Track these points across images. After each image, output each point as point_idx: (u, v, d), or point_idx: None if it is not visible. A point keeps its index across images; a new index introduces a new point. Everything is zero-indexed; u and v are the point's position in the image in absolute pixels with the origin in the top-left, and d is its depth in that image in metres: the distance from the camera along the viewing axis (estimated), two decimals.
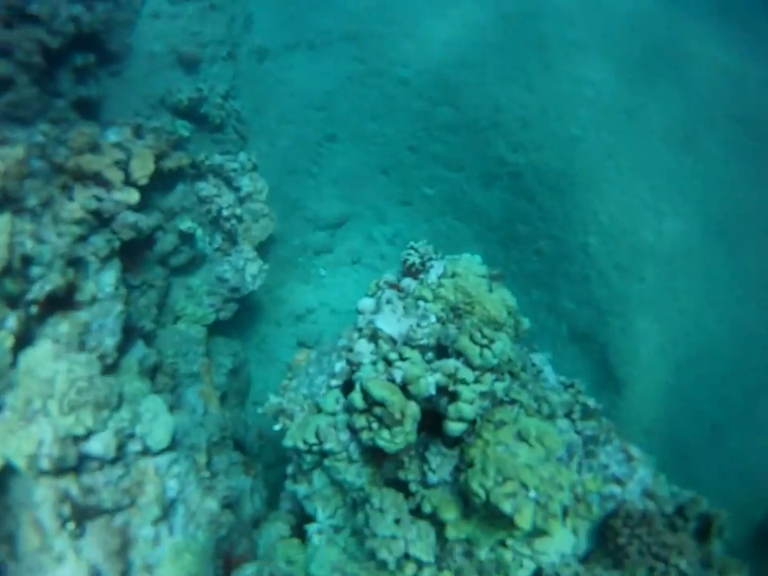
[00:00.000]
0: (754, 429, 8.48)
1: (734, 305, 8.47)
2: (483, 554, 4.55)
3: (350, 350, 5.49)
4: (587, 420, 5.38)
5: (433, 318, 5.17)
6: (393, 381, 4.78)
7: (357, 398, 4.76)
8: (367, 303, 5.88)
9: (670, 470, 5.52)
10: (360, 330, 5.62)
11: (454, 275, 5.45)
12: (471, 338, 4.83)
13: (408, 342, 5.07)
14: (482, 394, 4.70)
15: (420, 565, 4.43)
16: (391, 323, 5.39)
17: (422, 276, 5.63)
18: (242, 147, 8.47)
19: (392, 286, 5.94)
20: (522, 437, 4.68)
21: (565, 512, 4.76)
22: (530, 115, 8.44)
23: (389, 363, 4.91)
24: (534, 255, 8.20)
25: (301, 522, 5.08)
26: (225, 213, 7.67)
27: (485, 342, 4.82)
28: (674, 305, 8.20)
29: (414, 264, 6.17)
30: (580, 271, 8.05)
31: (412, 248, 6.48)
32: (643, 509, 4.92)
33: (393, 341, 5.28)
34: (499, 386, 4.88)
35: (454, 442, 4.72)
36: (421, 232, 8.59)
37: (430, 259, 6.23)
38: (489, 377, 4.83)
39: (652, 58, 9.29)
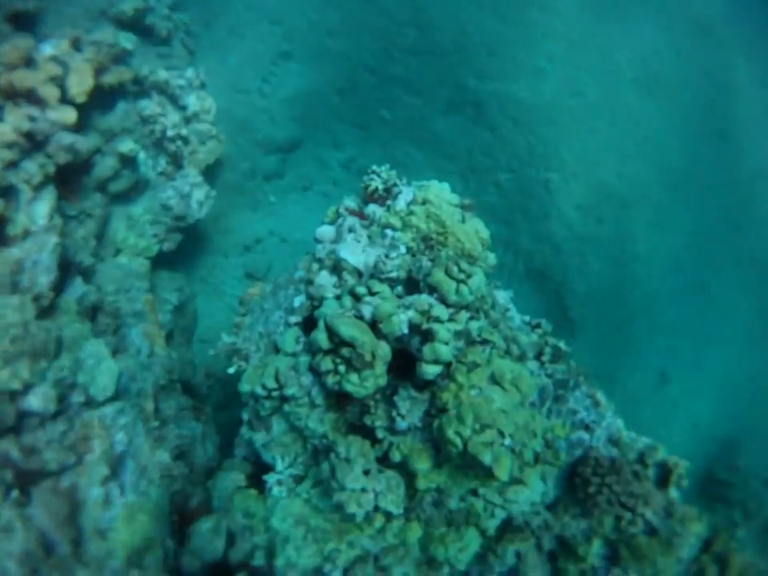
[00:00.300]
0: (700, 377, 8.60)
1: (686, 254, 8.39)
2: (453, 503, 4.26)
3: (310, 282, 4.96)
4: (556, 363, 5.10)
5: (403, 249, 4.69)
6: (361, 318, 4.32)
7: (321, 337, 4.27)
8: (326, 231, 5.34)
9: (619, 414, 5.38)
10: (320, 260, 5.09)
11: (424, 202, 4.95)
12: (447, 272, 4.38)
13: (376, 274, 4.58)
14: (457, 334, 4.31)
15: (389, 517, 4.10)
16: (356, 253, 4.88)
17: (388, 203, 5.08)
18: (189, 63, 7.57)
19: (354, 212, 5.40)
20: (495, 380, 4.36)
21: (536, 459, 4.51)
22: (497, 43, 7.83)
23: (356, 298, 4.42)
24: (492, 188, 7.77)
25: (258, 471, 4.65)
26: (169, 133, 6.84)
27: (462, 276, 4.38)
28: (630, 249, 8.00)
29: (376, 190, 5.62)
30: (540, 208, 7.70)
31: (374, 172, 5.92)
32: (611, 457, 4.73)
33: (358, 273, 4.79)
34: (474, 326, 4.50)
35: (425, 384, 4.33)
36: (376, 158, 7.94)
37: (395, 185, 5.70)
38: (464, 315, 4.44)
39: None
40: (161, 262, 6.93)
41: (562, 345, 5.33)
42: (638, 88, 8.34)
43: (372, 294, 4.40)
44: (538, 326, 5.55)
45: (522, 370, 4.45)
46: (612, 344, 8.01)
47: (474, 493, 4.26)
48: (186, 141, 7.01)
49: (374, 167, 6.03)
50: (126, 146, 6.47)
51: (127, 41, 7.01)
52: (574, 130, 7.89)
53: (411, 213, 4.79)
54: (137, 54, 7.17)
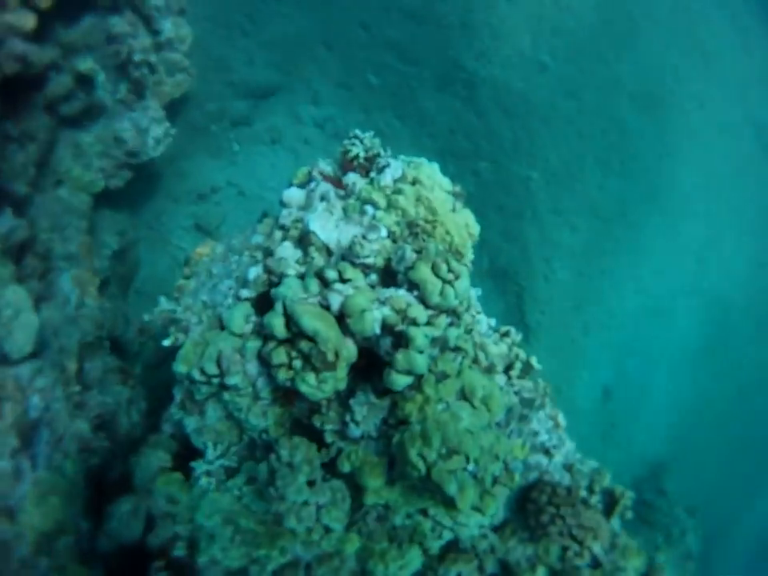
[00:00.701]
0: (640, 399, 8.47)
1: (670, 266, 8.16)
2: (399, 519, 3.80)
3: (270, 253, 4.33)
4: (524, 379, 4.68)
5: (384, 232, 4.09)
6: (327, 308, 3.73)
7: (277, 322, 3.68)
8: (295, 195, 4.67)
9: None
10: (284, 227, 4.45)
11: (415, 182, 4.34)
12: (434, 270, 3.80)
13: (349, 257, 3.96)
14: (434, 340, 3.78)
15: (328, 530, 3.60)
16: (327, 228, 4.24)
17: (372, 174, 4.45)
18: None
19: (329, 179, 4.76)
20: (465, 395, 3.88)
21: (493, 483, 4.10)
22: (504, 27, 7.24)
23: (324, 283, 3.81)
24: (470, 175, 7.25)
25: (186, 452, 4.06)
26: (136, 58, 5.95)
27: (450, 277, 3.83)
28: (598, 264, 7.67)
29: (357, 157, 5.00)
30: (515, 205, 7.24)
31: (356, 137, 5.26)
32: (567, 486, 4.38)
33: (328, 251, 4.17)
34: (452, 333, 3.98)
35: (387, 390, 3.81)
36: (355, 122, 7.30)
37: (378, 155, 5.08)
38: (443, 320, 3.89)
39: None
40: (104, 199, 6.09)
41: (533, 361, 4.90)
42: (635, 103, 7.93)
43: (343, 280, 3.81)
44: (507, 334, 5.09)
45: (493, 387, 3.98)
46: (564, 355, 7.72)
47: (424, 512, 3.82)
48: (153, 69, 6.13)
49: (357, 132, 5.36)
50: (85, 64, 5.57)
51: None
52: (564, 132, 7.44)
53: (399, 191, 4.19)
54: None
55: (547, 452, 4.50)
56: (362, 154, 5.07)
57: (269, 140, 7.22)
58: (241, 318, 4.03)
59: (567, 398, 7.91)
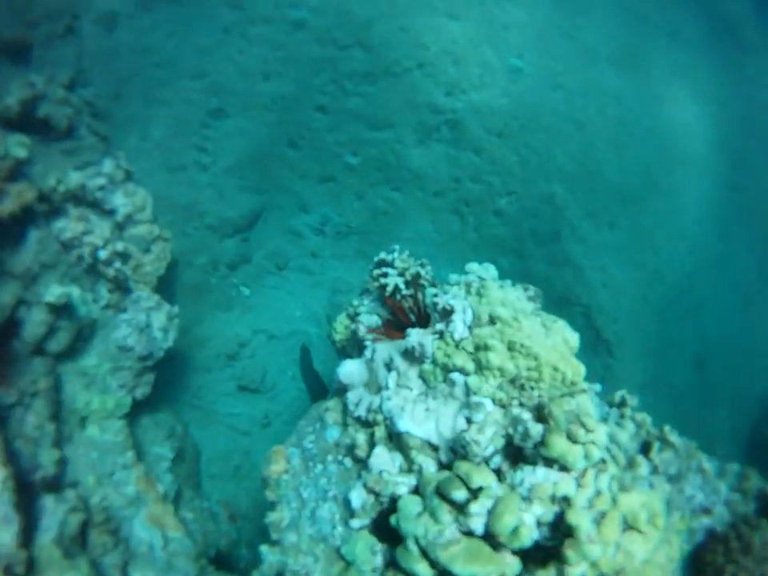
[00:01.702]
0: (733, 355, 7.48)
1: (701, 237, 7.11)
2: None
3: (362, 462, 3.44)
4: (664, 452, 3.73)
5: (489, 405, 3.16)
6: (470, 533, 2.83)
7: (419, 568, 2.83)
8: (353, 370, 3.83)
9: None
10: (360, 420, 3.58)
11: (493, 320, 3.39)
12: (570, 438, 2.90)
13: (464, 453, 3.04)
14: (589, 501, 2.93)
15: None
16: (418, 416, 3.37)
17: (439, 326, 3.47)
18: (104, 152, 5.60)
19: (380, 333, 3.83)
20: (628, 523, 3.03)
21: None
22: (459, 48, 6.20)
23: (456, 507, 2.89)
24: (493, 217, 6.25)
25: None
26: (102, 255, 4.97)
27: (589, 438, 2.92)
28: (647, 246, 6.64)
29: (398, 290, 4.07)
30: (550, 227, 6.23)
31: (383, 263, 4.33)
32: (737, 533, 3.48)
33: (432, 447, 3.25)
34: (605, 482, 3.09)
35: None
36: (352, 212, 6.33)
37: (418, 276, 4.11)
38: (591, 475, 3.00)
39: None
40: (136, 410, 5.13)
41: (668, 433, 3.93)
42: (616, 67, 6.84)
43: (475, 494, 2.87)
44: (623, 403, 4.11)
45: (652, 498, 3.17)
46: (649, 349, 6.74)
47: None
48: (125, 257, 5.14)
49: (383, 255, 4.41)
50: (53, 294, 4.58)
51: (20, 147, 5.02)
52: (563, 129, 6.40)
53: (485, 348, 3.24)
54: (36, 159, 5.19)
55: (707, 511, 3.59)
56: (401, 286, 4.11)
57: (275, 268, 6.27)
58: (366, 552, 3.20)
59: (668, 385, 6.97)
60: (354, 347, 4.19)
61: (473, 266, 4.02)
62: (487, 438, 3.05)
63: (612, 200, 6.55)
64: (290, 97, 6.20)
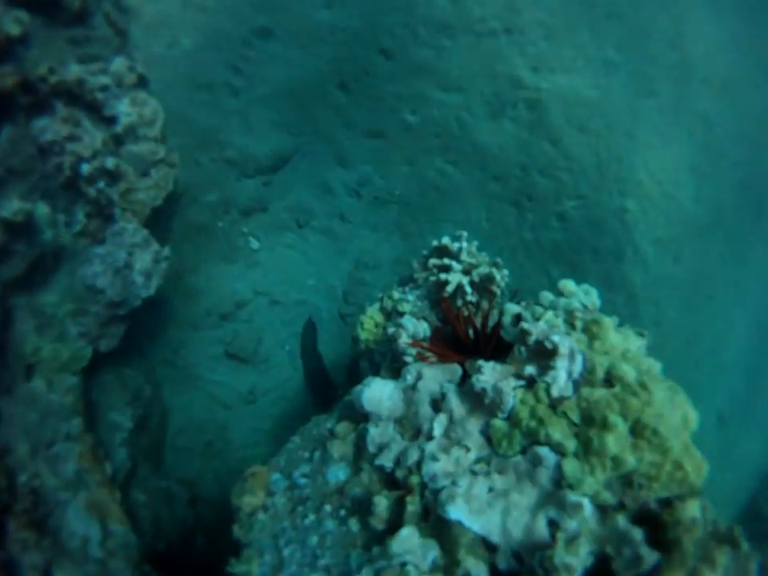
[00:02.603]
0: (751, 416, 6.39)
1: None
2: None
3: (377, 536, 2.28)
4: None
5: (588, 508, 1.95)
6: None
7: None
8: (382, 396, 2.62)
9: None
10: (383, 470, 2.41)
11: (611, 380, 2.20)
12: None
13: (538, 564, 1.88)
14: None
15: None
16: (478, 502, 2.13)
17: (530, 370, 2.24)
18: (118, 49, 4.19)
19: (426, 349, 2.62)
20: None
21: None
22: (556, 22, 4.82)
23: None
24: (556, 221, 4.95)
25: None
26: (86, 170, 3.62)
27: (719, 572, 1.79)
28: (704, 287, 5.44)
29: (462, 292, 2.87)
30: (614, 246, 4.97)
31: (441, 249, 3.11)
32: None
33: (490, 547, 2.07)
34: None
35: None
36: (398, 178, 4.98)
37: (492, 278, 2.89)
38: None
39: None
40: (98, 364, 3.88)
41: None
42: (711, 90, 5.51)
43: None
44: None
45: None
46: None
47: None
48: (115, 177, 3.80)
49: (446, 241, 3.18)
50: (9, 208, 3.25)
51: (14, 23, 3.63)
52: (650, 142, 5.11)
53: (602, 424, 2.03)
54: (35, 42, 3.80)
55: None
56: (467, 288, 2.86)
57: (294, 224, 4.93)
58: None
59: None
60: (384, 357, 2.95)
61: (569, 285, 2.77)
62: (581, 560, 1.88)
63: (682, 230, 5.29)
64: (351, 32, 4.78)
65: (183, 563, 4.13)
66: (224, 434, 4.67)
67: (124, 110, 3.93)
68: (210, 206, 4.70)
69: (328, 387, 4.69)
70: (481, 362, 2.29)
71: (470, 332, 2.65)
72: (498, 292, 2.88)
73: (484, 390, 2.21)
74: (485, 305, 2.86)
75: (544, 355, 2.21)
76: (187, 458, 4.54)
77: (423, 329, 2.68)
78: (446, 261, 2.91)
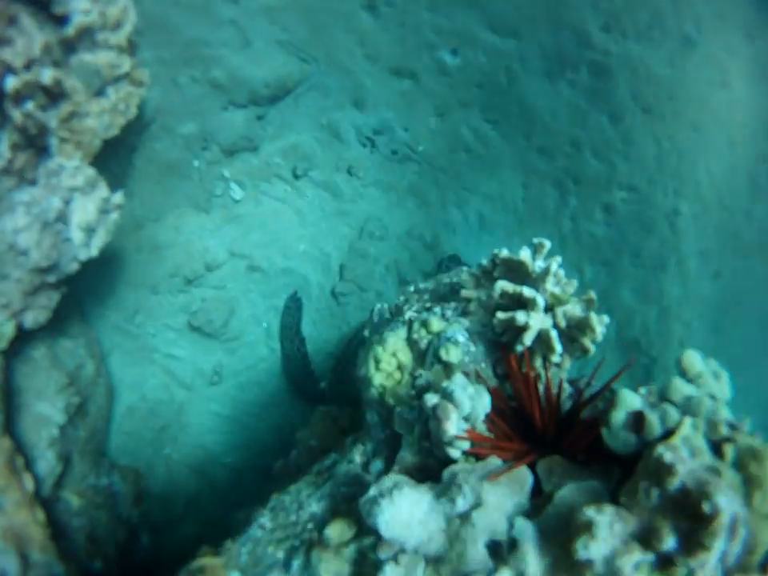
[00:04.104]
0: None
1: None
2: None
3: None
4: None
5: None
6: None
7: None
8: (412, 520, 1.62)
9: None
10: None
11: None
12: None
13: None
14: None
15: None
16: None
17: (667, 545, 1.37)
18: None
19: (489, 444, 1.73)
20: None
21: None
22: None
23: None
24: (601, 212, 4.02)
25: None
26: (12, 84, 2.40)
27: None
28: (734, 312, 4.69)
29: (548, 349, 1.97)
30: (658, 252, 4.11)
31: (509, 265, 2.17)
32: None
33: None
34: None
35: None
36: (425, 131, 3.87)
37: (583, 327, 1.97)
38: None
39: None
40: (24, 338, 2.86)
41: None
42: None
43: None
44: None
45: None
46: None
47: None
48: (55, 97, 2.59)
49: (524, 254, 2.21)
50: None
51: None
52: (716, 140, 4.16)
53: None
54: None
55: None
56: (554, 339, 2.03)
57: (288, 173, 3.80)
58: None
59: None
60: (409, 427, 2.00)
61: (695, 364, 1.87)
62: None
63: (728, 246, 4.47)
64: None
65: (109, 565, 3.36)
66: (180, 418, 3.76)
67: (80, 6, 2.65)
68: (186, 139, 3.50)
69: (307, 378, 3.82)
70: (591, 512, 1.43)
71: (543, 404, 1.78)
72: (592, 349, 1.99)
73: (590, 562, 1.40)
74: (566, 363, 1.98)
75: (690, 515, 1.39)
76: (136, 444, 3.65)
77: (484, 405, 1.78)
78: (526, 292, 1.95)
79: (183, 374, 3.73)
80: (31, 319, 2.79)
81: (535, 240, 2.06)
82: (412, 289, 2.64)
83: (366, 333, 2.59)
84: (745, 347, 5.04)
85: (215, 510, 3.84)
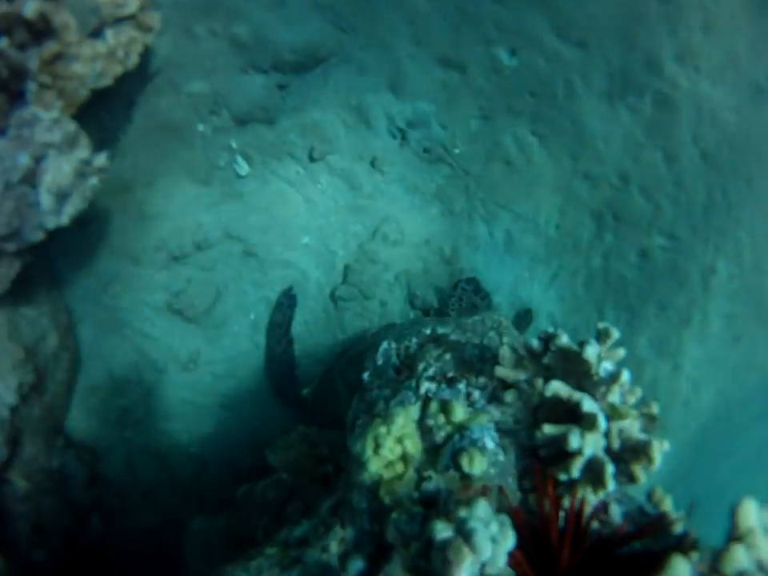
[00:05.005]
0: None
1: None
2: None
3: None
4: None
5: None
6: None
7: None
8: None
9: None
10: None
11: None
12: None
13: None
14: None
15: None
16: None
17: None
18: None
19: None
20: None
21: None
22: (720, 16, 3.29)
23: None
24: (635, 255, 3.57)
25: None
26: None
27: None
28: (744, 378, 4.31)
29: (598, 483, 1.55)
30: (685, 307, 3.69)
31: (572, 355, 1.68)
32: None
33: None
34: None
35: None
36: (463, 132, 3.36)
37: (639, 452, 1.56)
38: None
39: None
40: None
41: None
42: None
43: None
44: None
45: None
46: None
47: None
48: (38, 31, 2.06)
49: (590, 351, 1.74)
50: None
51: None
52: (765, 201, 3.66)
53: None
54: None
55: None
56: (606, 465, 1.58)
57: (304, 154, 3.28)
58: None
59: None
60: (405, 541, 1.47)
61: (749, 514, 1.49)
62: None
63: (753, 312, 4.03)
64: None
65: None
66: (147, 400, 3.35)
67: None
68: (193, 99, 2.96)
69: (290, 382, 3.42)
70: None
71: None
72: (643, 480, 1.59)
73: None
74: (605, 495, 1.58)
75: None
76: (97, 422, 3.24)
77: (506, 548, 1.36)
78: (587, 406, 1.51)
79: (156, 355, 3.30)
80: None
81: (600, 325, 1.62)
82: (428, 332, 2.22)
83: (366, 376, 2.18)
84: (748, 413, 4.74)
85: (174, 500, 3.51)
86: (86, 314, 3.18)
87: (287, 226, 3.33)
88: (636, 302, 3.65)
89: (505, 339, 2.09)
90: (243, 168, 3.20)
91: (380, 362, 2.18)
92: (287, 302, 3.36)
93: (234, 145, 3.16)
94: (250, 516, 2.61)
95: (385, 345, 2.19)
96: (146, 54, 2.51)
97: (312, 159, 3.33)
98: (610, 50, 3.17)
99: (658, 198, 3.41)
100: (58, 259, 2.98)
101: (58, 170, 2.25)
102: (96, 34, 2.28)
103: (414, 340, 2.19)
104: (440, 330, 2.19)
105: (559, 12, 3.12)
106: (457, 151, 3.35)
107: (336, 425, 2.56)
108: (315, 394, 3.28)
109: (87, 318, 3.18)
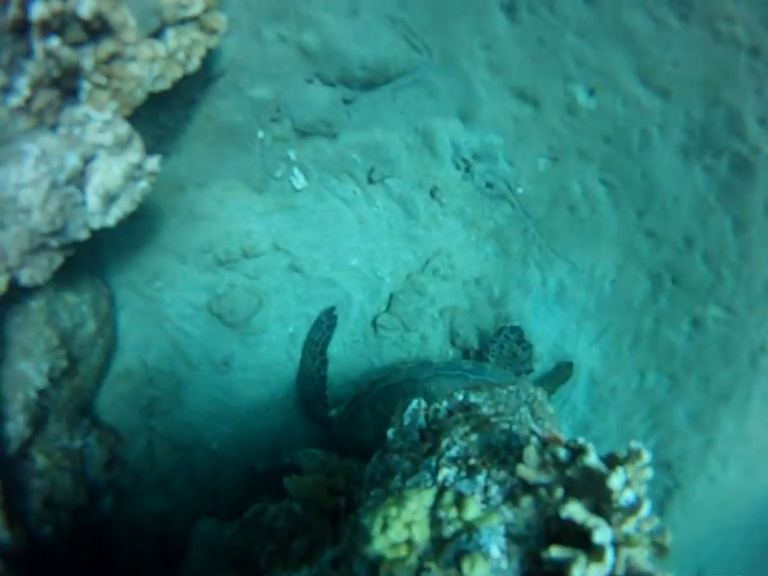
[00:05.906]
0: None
1: None
2: None
3: None
4: None
5: None
6: None
7: None
8: None
9: None
10: None
11: None
12: None
13: None
14: None
15: None
16: None
17: None
18: None
19: None
20: None
21: None
22: None
23: None
24: (688, 324, 3.14)
25: None
26: (38, 12, 1.64)
27: None
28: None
29: None
30: (729, 383, 3.24)
31: (593, 475, 1.36)
32: None
33: None
34: None
35: None
36: (530, 171, 2.98)
37: None
38: None
39: None
40: (22, 291, 2.23)
41: None
42: None
43: None
44: None
45: None
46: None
47: None
48: (95, 30, 1.80)
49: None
50: None
51: None
52: None
53: None
54: None
55: None
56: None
57: (363, 174, 2.98)
58: None
59: None
60: None
61: None
62: None
63: None
64: None
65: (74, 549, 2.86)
66: (177, 392, 3.18)
67: None
68: (255, 104, 2.70)
69: (319, 401, 3.17)
70: None
71: None
72: None
73: None
74: None
75: None
76: (124, 408, 3.09)
77: None
78: (598, 538, 1.22)
79: (191, 352, 3.10)
80: (27, 277, 2.14)
81: (633, 444, 1.34)
82: (461, 398, 1.93)
83: (390, 434, 1.90)
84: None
85: (187, 491, 3.34)
86: (127, 302, 2.99)
87: (337, 246, 3.04)
88: (680, 370, 3.22)
89: (535, 426, 1.80)
90: (300, 181, 2.92)
91: (407, 421, 1.93)
92: (327, 321, 3.09)
93: (292, 156, 2.88)
94: (257, 539, 2.41)
95: (414, 405, 1.92)
96: (212, 55, 2.24)
97: (371, 180, 3.02)
98: (692, 103, 2.73)
99: (721, 266, 2.97)
100: (105, 248, 2.78)
101: (108, 172, 2.01)
102: (157, 35, 2.02)
103: (445, 404, 1.93)
104: (472, 399, 1.92)
105: (643, 54, 2.69)
106: (521, 190, 2.98)
107: (358, 452, 2.34)
108: (341, 419, 3.03)
109: (128, 307, 3.00)
